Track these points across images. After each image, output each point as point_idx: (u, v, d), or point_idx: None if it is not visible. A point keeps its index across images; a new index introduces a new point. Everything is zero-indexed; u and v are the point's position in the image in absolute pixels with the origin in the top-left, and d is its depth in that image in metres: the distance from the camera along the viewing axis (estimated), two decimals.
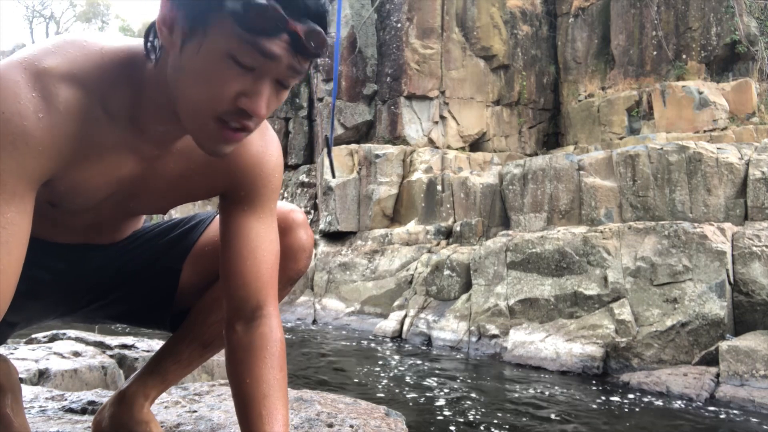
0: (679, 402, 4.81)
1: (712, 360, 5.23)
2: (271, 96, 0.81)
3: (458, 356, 6.90)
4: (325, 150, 5.02)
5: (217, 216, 1.17)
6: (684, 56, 10.94)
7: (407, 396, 4.84)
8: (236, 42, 0.75)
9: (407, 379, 5.52)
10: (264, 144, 1.02)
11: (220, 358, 2.55)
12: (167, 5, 0.79)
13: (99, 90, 0.83)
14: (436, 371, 5.97)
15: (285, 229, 1.11)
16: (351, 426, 1.31)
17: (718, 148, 7.01)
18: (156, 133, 0.89)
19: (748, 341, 5.06)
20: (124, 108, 0.86)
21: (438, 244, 9.40)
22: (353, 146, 11.34)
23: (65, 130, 0.80)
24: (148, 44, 0.83)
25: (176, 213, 10.96)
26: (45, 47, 0.82)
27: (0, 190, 0.74)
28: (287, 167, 13.52)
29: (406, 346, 7.54)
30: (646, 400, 4.93)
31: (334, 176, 4.58)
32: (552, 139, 13.28)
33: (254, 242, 0.99)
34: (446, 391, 5.09)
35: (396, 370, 5.89)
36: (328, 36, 0.80)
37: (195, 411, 1.40)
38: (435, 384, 5.32)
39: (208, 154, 0.85)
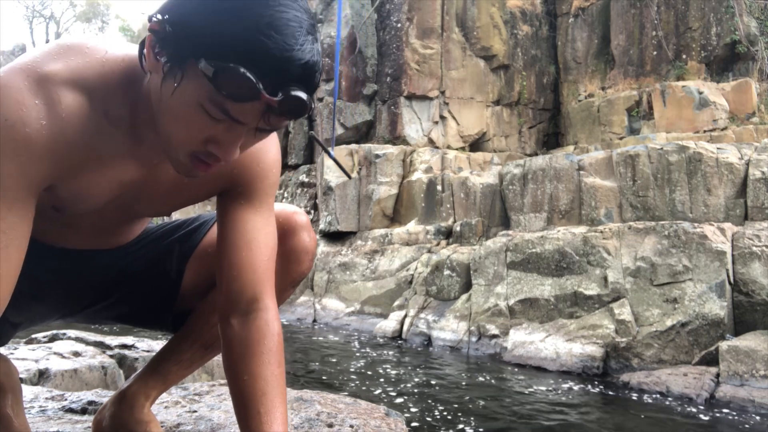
0: (679, 402, 4.81)
1: (712, 360, 5.23)
2: (249, 138, 0.81)
3: (458, 356, 6.90)
4: (327, 150, 5.00)
5: None
6: (684, 56, 10.94)
7: (407, 396, 4.84)
8: (206, 97, 0.74)
9: (407, 379, 5.52)
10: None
11: (220, 358, 2.54)
12: (153, 39, 0.77)
13: (100, 96, 0.83)
14: (436, 371, 5.97)
15: (288, 231, 1.11)
16: (351, 426, 1.31)
17: (718, 148, 7.01)
18: (154, 141, 0.89)
19: (748, 341, 5.06)
20: (124, 115, 0.86)
21: (438, 244, 9.40)
22: (353, 146, 11.35)
23: (67, 136, 0.80)
24: (143, 58, 0.82)
25: (176, 214, 10.95)
26: (47, 52, 0.82)
27: (2, 196, 0.75)
28: (287, 167, 13.52)
29: (406, 346, 7.54)
30: (646, 400, 4.93)
31: (349, 177, 4.60)
32: (552, 139, 13.28)
33: (250, 234, 0.99)
34: (446, 391, 5.09)
35: (396, 370, 5.88)
36: (318, 86, 0.79)
37: (195, 411, 1.40)
38: (435, 384, 5.33)
39: (183, 176, 0.86)
